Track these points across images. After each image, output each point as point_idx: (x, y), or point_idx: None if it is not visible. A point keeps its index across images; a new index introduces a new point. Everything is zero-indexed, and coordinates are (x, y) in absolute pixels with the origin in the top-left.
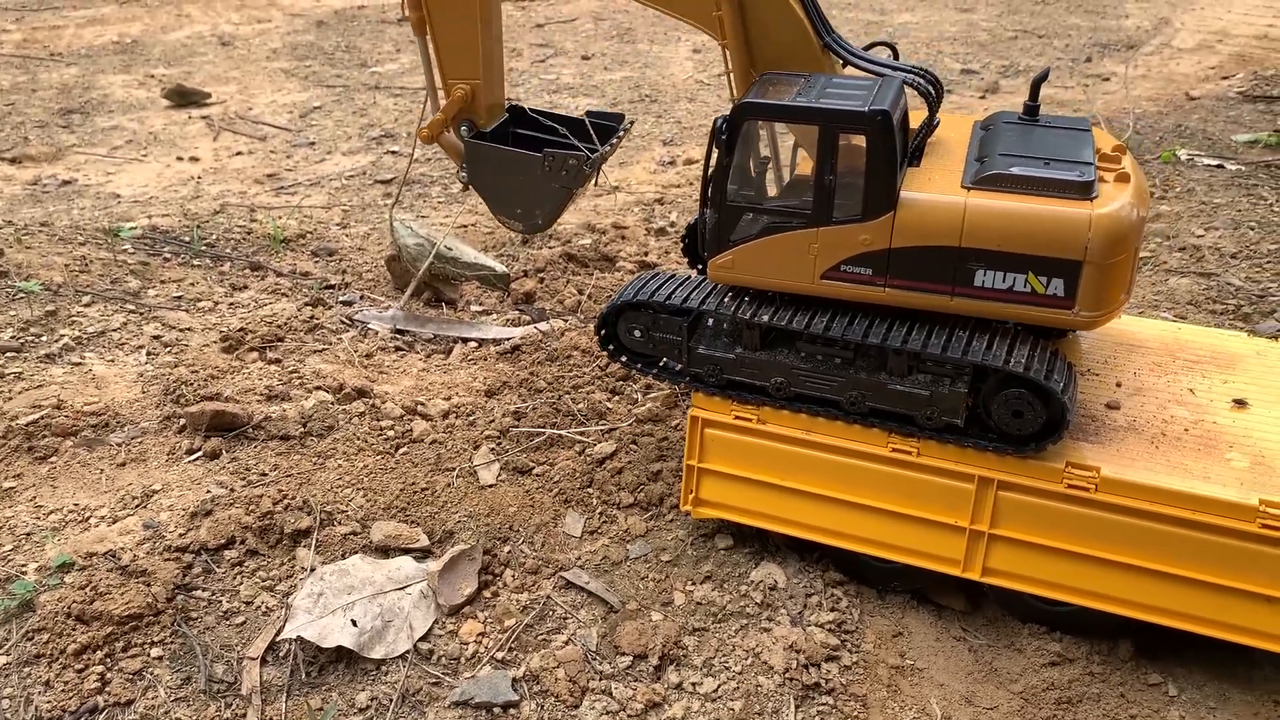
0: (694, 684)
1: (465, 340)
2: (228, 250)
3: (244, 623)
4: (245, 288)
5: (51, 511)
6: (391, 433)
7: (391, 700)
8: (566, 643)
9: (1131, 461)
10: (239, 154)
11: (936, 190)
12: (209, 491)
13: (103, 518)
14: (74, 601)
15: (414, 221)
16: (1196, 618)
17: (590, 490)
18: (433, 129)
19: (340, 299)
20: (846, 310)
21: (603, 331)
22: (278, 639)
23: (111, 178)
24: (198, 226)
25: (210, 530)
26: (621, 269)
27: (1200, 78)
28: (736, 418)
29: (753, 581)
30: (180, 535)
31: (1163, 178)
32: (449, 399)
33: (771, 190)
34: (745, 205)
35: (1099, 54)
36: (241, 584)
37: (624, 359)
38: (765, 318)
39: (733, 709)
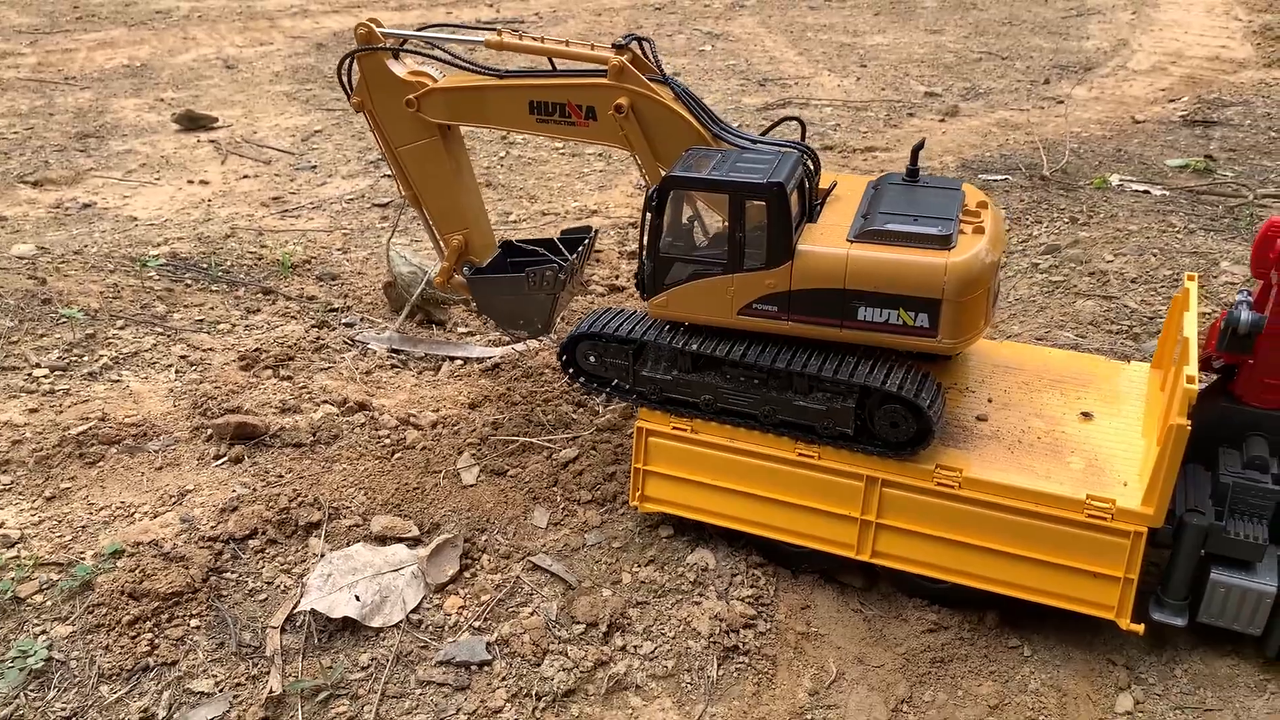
0: (635, 646)
1: (453, 359)
2: (241, 276)
3: (266, 599)
4: (258, 311)
5: (102, 508)
6: (388, 440)
7: (388, 660)
8: (532, 613)
9: (990, 464)
10: (246, 177)
11: (825, 244)
12: (234, 491)
13: (145, 513)
14: (126, 581)
15: (408, 249)
16: (1040, 590)
17: (555, 489)
18: (443, 276)
19: (343, 321)
20: (759, 340)
21: (564, 357)
22: (294, 611)
23: (128, 201)
24: (212, 254)
25: (237, 523)
26: (594, 292)
27: (1149, 100)
28: (674, 428)
29: (688, 564)
30: (212, 527)
31: (1090, 204)
32: (437, 411)
33: (696, 243)
34: (675, 256)
35: (1057, 76)
36: (264, 567)
37: (581, 380)
38: (695, 346)
39: (666, 666)
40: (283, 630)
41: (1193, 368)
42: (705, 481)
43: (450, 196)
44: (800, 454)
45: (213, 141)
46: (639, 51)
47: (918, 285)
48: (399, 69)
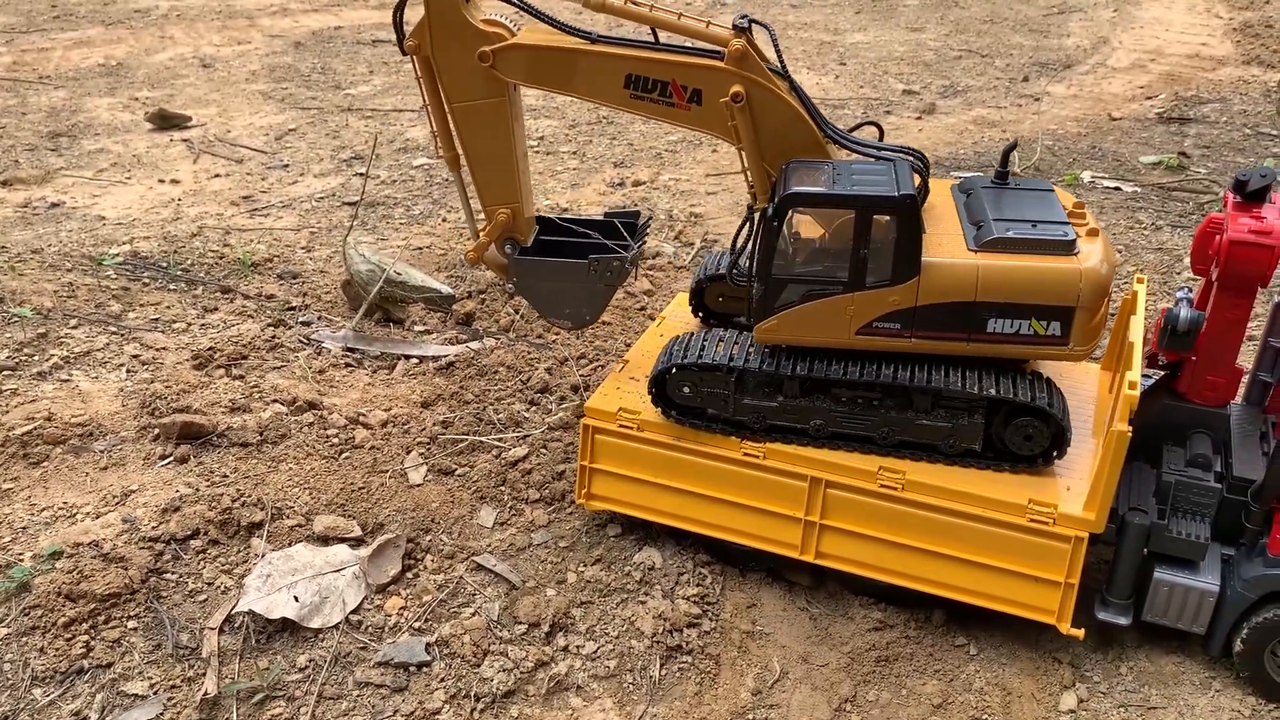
0: (578, 647)
1: (408, 357)
2: (201, 274)
3: (206, 600)
4: (215, 310)
5: (44, 509)
6: (336, 440)
7: (326, 662)
8: (474, 614)
9: (934, 466)
10: (217, 176)
11: (950, 255)
12: (178, 491)
13: (88, 514)
14: (63, 583)
15: (367, 248)
16: (982, 594)
17: (503, 488)
18: (477, 251)
19: (300, 320)
20: (876, 359)
21: (653, 391)
22: (233, 612)
23: (98, 200)
24: (174, 252)
25: (179, 523)
26: None
27: (1127, 98)
28: (620, 425)
29: (635, 563)
30: (153, 528)
31: None
32: (388, 410)
33: (810, 263)
34: (788, 278)
35: (1037, 73)
36: (204, 568)
37: (674, 414)
38: (809, 370)
39: (608, 666)
40: (220, 632)
41: (1135, 373)
42: (652, 480)
43: (504, 166)
44: (745, 453)
45: (185, 141)
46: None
47: (1053, 293)
48: (473, 16)
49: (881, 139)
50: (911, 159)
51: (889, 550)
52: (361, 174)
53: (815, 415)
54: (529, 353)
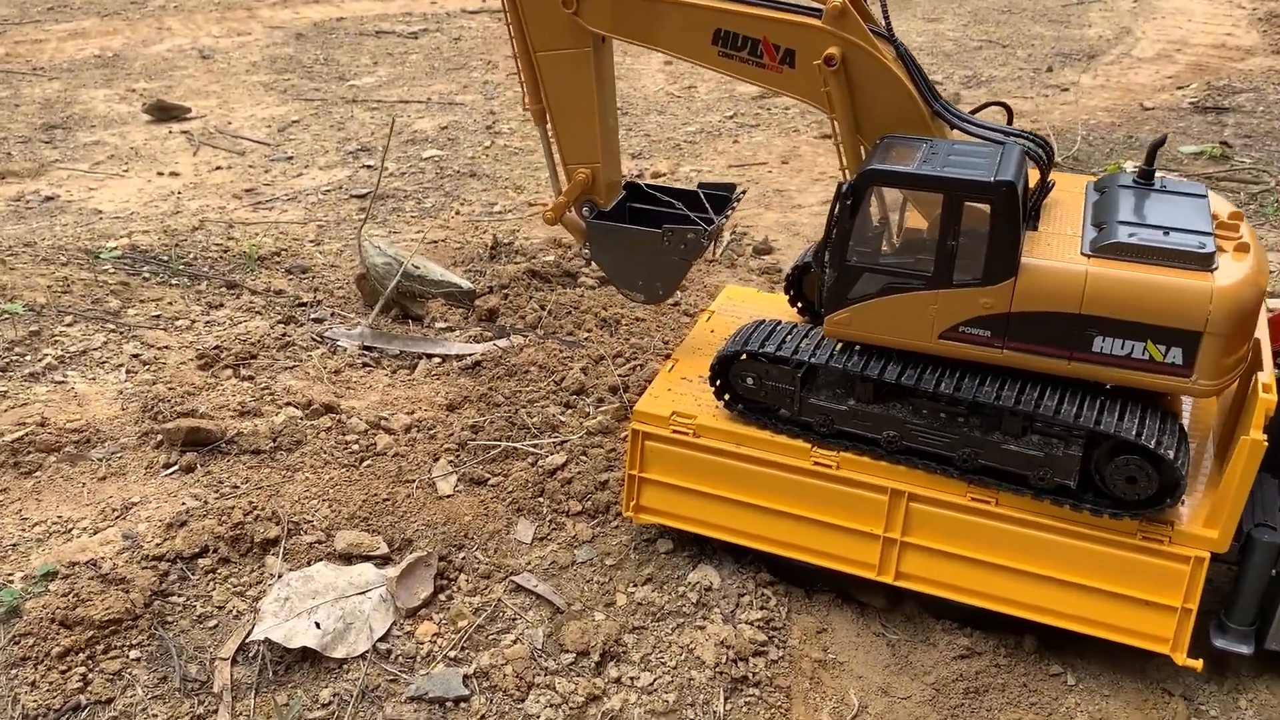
0: (632, 678)
1: (429, 356)
2: (205, 269)
3: (216, 626)
4: (221, 306)
5: (36, 524)
6: (356, 446)
7: (352, 696)
8: (515, 641)
9: None
10: (218, 169)
11: (1057, 257)
12: (184, 504)
13: (84, 529)
14: (57, 607)
15: (383, 240)
16: (1085, 619)
17: (541, 499)
18: (556, 211)
19: (312, 316)
20: (961, 369)
21: (716, 378)
22: (247, 640)
23: (94, 194)
24: (175, 246)
25: (185, 540)
26: (582, 285)
27: (1156, 88)
28: (674, 430)
29: (690, 583)
30: (157, 545)
31: None
32: (412, 413)
33: (892, 251)
34: (865, 266)
35: (1060, 64)
36: (214, 590)
37: (737, 406)
38: (887, 372)
39: (667, 700)
40: (233, 662)
41: (1268, 373)
42: (709, 491)
43: (588, 121)
44: (817, 463)
45: (185, 132)
46: None
47: (1175, 314)
48: None
49: (1010, 123)
50: (1033, 144)
51: (979, 570)
52: (369, 166)
53: (889, 425)
54: (561, 351)
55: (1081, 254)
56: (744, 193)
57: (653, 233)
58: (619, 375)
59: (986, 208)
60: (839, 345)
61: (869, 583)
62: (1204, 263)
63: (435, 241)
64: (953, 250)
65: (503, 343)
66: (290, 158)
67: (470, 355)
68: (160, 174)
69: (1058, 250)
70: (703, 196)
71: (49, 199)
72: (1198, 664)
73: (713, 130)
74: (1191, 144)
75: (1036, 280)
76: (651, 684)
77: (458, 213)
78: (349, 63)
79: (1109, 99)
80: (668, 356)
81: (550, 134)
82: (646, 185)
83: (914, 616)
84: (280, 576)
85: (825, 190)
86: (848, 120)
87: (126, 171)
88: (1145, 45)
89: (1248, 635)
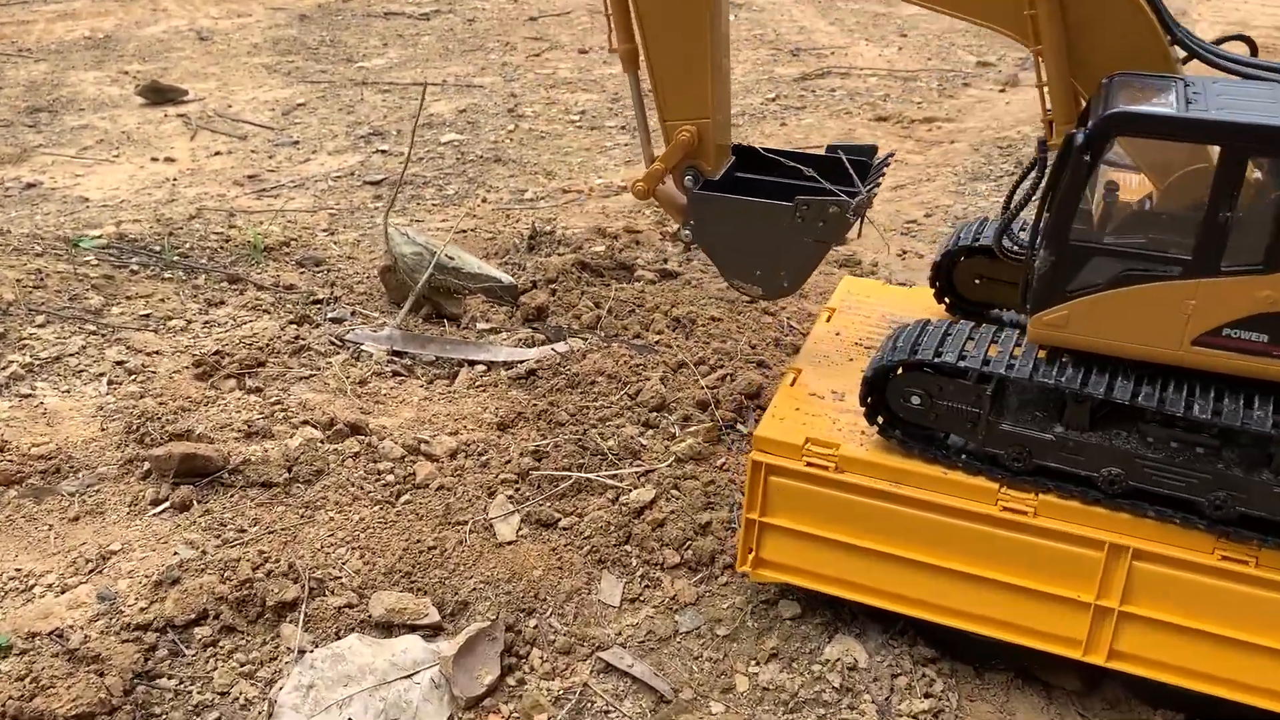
0: None
1: (472, 363)
2: (203, 261)
3: (218, 719)
4: (222, 303)
5: None
6: (391, 477)
7: None
8: None
9: None
10: (218, 154)
11: None
12: (176, 553)
13: (49, 586)
14: (9, 697)
15: (410, 228)
16: None
17: (628, 547)
18: (649, 181)
19: (329, 315)
20: (1218, 385)
21: (869, 397)
22: None
23: (80, 180)
24: (170, 234)
25: (177, 603)
26: (641, 278)
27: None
28: (809, 464)
29: (827, 660)
30: (141, 610)
31: None
32: (456, 434)
33: (1131, 227)
34: (1095, 247)
35: None
36: (215, 670)
37: (895, 432)
38: (1104, 389)
39: None
40: None
41: None
42: (854, 542)
43: (696, 67)
44: (1006, 509)
45: (181, 116)
46: None
47: None
48: None
49: (1254, 56)
50: None
51: (1224, 650)
52: (382, 151)
53: (1110, 459)
54: (631, 357)
55: None
56: (892, 155)
57: (783, 206)
58: (706, 387)
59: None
60: (1044, 353)
61: (1061, 659)
62: None
63: (464, 231)
64: (1225, 225)
65: (560, 347)
66: (296, 142)
67: (522, 362)
68: (154, 159)
69: None
70: (844, 159)
71: (30, 186)
72: None
73: (755, 113)
74: None
75: None
76: None
77: (484, 200)
78: (357, 44)
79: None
80: (761, 364)
81: (644, 82)
82: (765, 149)
83: (1120, 703)
84: (302, 655)
85: (892, 175)
86: (1058, 54)
87: (117, 157)
88: (1204, 27)
89: None
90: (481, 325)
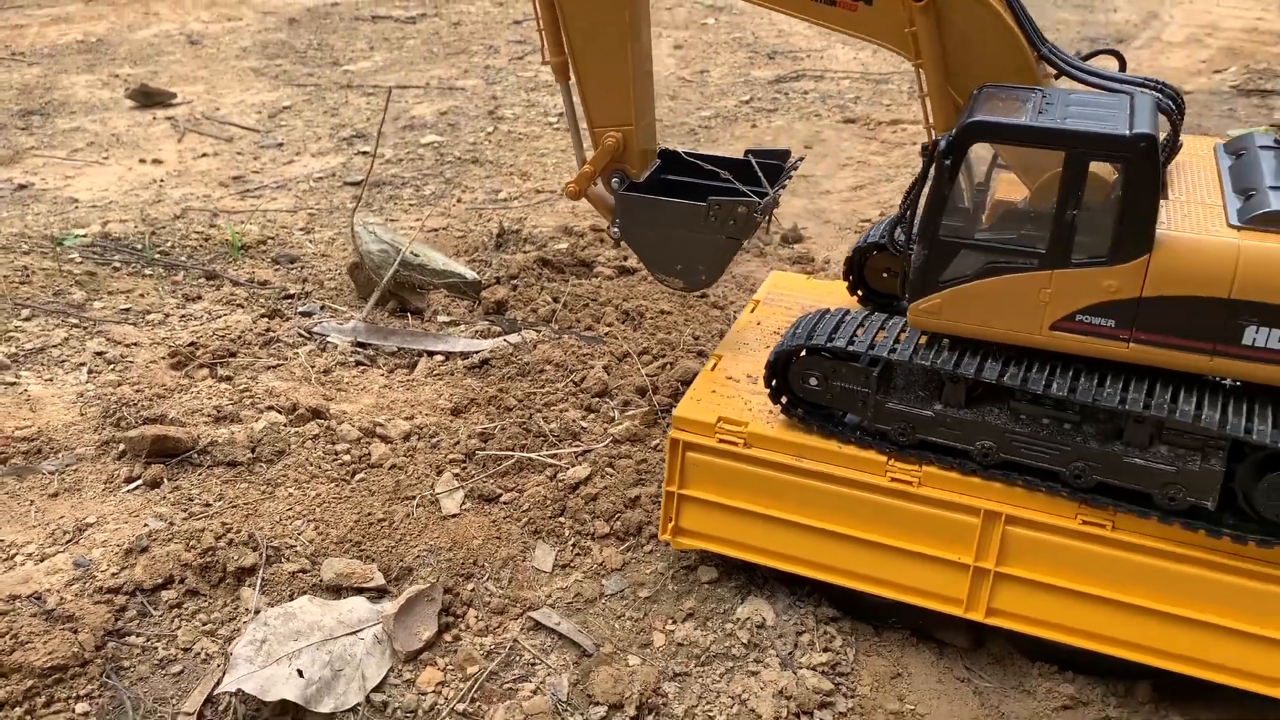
0: None
1: (431, 353)
2: (183, 259)
3: (181, 672)
4: (199, 299)
5: None
6: (348, 457)
7: None
8: (534, 692)
9: None
10: (204, 156)
11: (1198, 230)
12: (146, 525)
13: (29, 555)
14: None
15: (379, 226)
16: (1227, 668)
17: (562, 519)
18: (580, 183)
19: (300, 309)
20: (1075, 365)
21: (773, 378)
22: (216, 692)
23: (70, 181)
24: (152, 233)
25: (146, 568)
26: (599, 274)
27: (1191, 71)
28: (721, 441)
29: (738, 619)
30: (113, 574)
31: None
32: (411, 419)
33: (991, 225)
34: (961, 242)
35: (1088, 47)
36: (179, 628)
37: (797, 411)
38: (975, 370)
39: None
40: (200, 717)
41: None
42: (762, 511)
43: (620, 75)
44: (894, 479)
45: (169, 119)
46: None
47: None
48: None
49: (1122, 70)
50: (1159, 95)
51: (1089, 606)
52: (364, 152)
53: (984, 434)
54: (579, 348)
55: (1229, 225)
56: (801, 159)
57: (696, 206)
58: (646, 375)
59: (1118, 168)
60: (924, 338)
61: (951, 619)
62: None
63: (436, 230)
64: (1073, 221)
65: (513, 338)
66: (281, 144)
67: (477, 352)
68: (142, 161)
69: (1199, 222)
70: (755, 164)
71: (22, 187)
72: None
73: (728, 115)
74: (1239, 127)
75: (1176, 258)
76: None
77: (459, 200)
78: (344, 48)
79: None
80: (701, 353)
81: (574, 92)
82: (686, 153)
83: (1004, 658)
84: (257, 614)
85: (854, 176)
86: (937, 67)
87: (106, 159)
88: (1174, 30)
89: None
90: (443, 318)
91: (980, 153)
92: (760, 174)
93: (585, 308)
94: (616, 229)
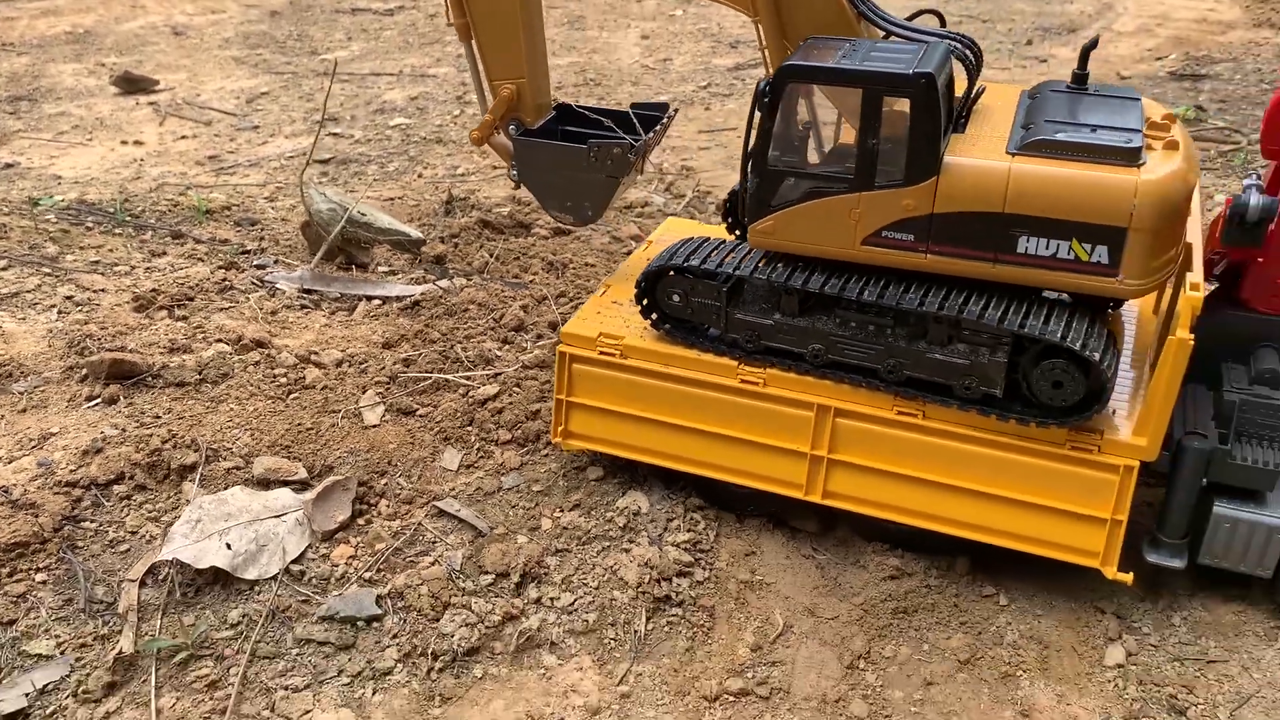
0: (552, 599)
1: (370, 298)
2: (151, 221)
3: (128, 550)
4: (164, 254)
5: None
6: (284, 380)
7: (261, 617)
8: (433, 563)
9: None
10: (183, 138)
11: (980, 155)
12: (102, 432)
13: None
14: None
15: (328, 188)
16: (1016, 535)
17: (470, 429)
18: (482, 130)
19: (255, 264)
20: (887, 278)
21: (643, 298)
22: (156, 563)
23: (55, 161)
24: (125, 200)
25: (100, 466)
26: (535, 235)
27: (1135, 59)
28: (601, 353)
29: (618, 508)
30: (71, 471)
31: None
32: (345, 350)
33: (813, 156)
34: (787, 170)
35: (1040, 37)
36: (128, 515)
37: (665, 325)
38: (807, 283)
39: (587, 620)
40: (142, 584)
41: (1197, 274)
42: (637, 414)
43: (510, 35)
44: (743, 380)
45: (152, 104)
46: None
47: (1099, 210)
48: None
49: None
50: (961, 46)
51: (907, 487)
52: (335, 134)
53: (814, 338)
54: (503, 292)
55: (1006, 153)
56: (675, 112)
57: (577, 149)
58: (560, 314)
59: (906, 103)
60: (764, 259)
61: (802, 507)
62: (1130, 158)
63: (392, 199)
64: (873, 150)
65: (444, 283)
66: (256, 127)
67: (410, 296)
68: (124, 143)
69: (982, 150)
70: (633, 116)
71: (8, 166)
72: (1128, 578)
73: (685, 99)
74: (1165, 107)
75: (959, 179)
76: (572, 604)
77: (420, 175)
78: (323, 38)
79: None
80: None
81: (475, 51)
82: (577, 105)
83: (846, 540)
84: (194, 500)
85: None
86: (772, 22)
87: (90, 140)
88: (1127, 20)
89: (1180, 550)
90: (383, 269)
91: (817, 99)
92: (637, 124)
93: (516, 260)
94: (515, 172)
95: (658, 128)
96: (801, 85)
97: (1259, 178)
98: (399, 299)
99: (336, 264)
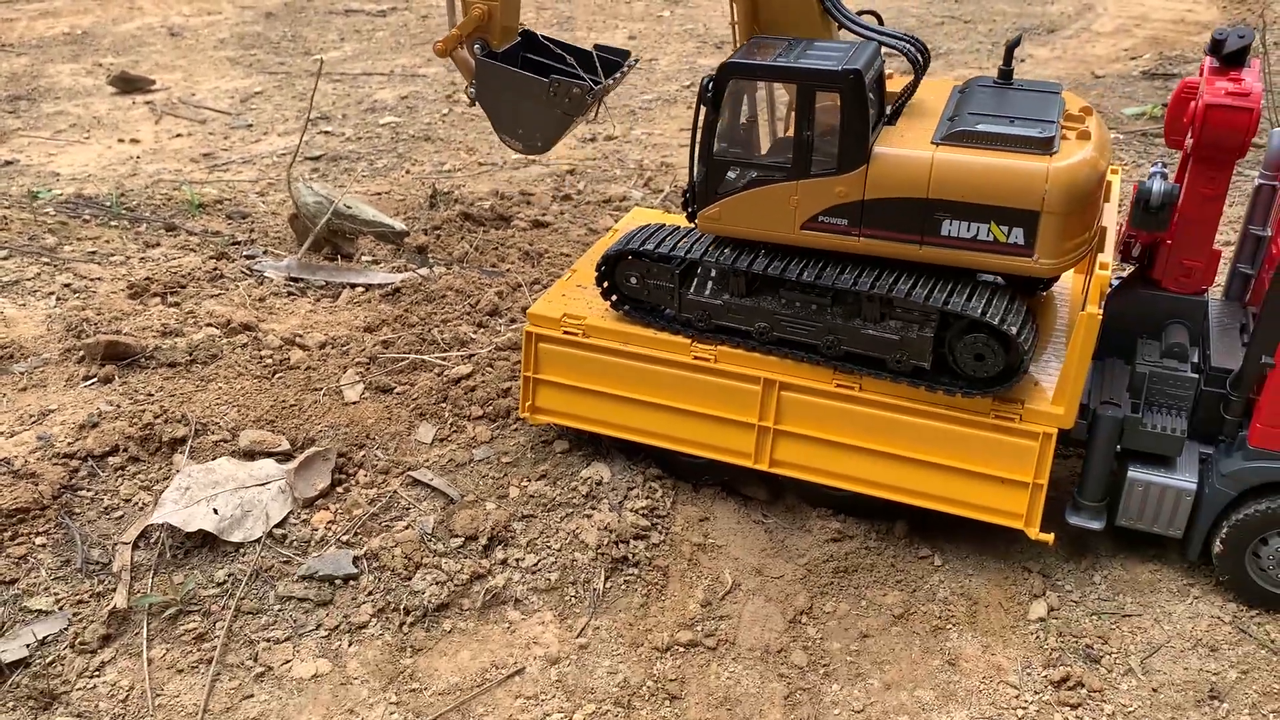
0: (517, 559)
1: (353, 285)
2: (146, 214)
3: (122, 517)
4: (158, 245)
5: None
6: (270, 360)
7: (245, 576)
8: (406, 527)
9: None
10: (179, 136)
11: (906, 145)
12: (98, 409)
13: (1, 433)
14: None
15: (315, 182)
16: (946, 499)
17: (444, 405)
18: (447, 43)
19: (245, 254)
20: (825, 260)
21: (603, 281)
22: (148, 526)
23: (53, 158)
24: (121, 194)
25: (96, 440)
26: (515, 227)
27: (1110, 59)
28: (565, 331)
29: (582, 478)
30: (69, 444)
31: None
32: (328, 333)
33: (756, 147)
34: (731, 160)
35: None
36: (122, 485)
37: (624, 306)
38: (750, 265)
39: (549, 579)
40: (135, 547)
41: (1107, 254)
42: (599, 390)
43: None
44: (696, 357)
45: (148, 103)
46: None
47: (1013, 194)
48: None
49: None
50: (910, 46)
51: (847, 455)
52: (327, 132)
53: (760, 317)
54: (480, 279)
55: (931, 143)
56: (637, 61)
57: (539, 81)
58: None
59: (836, 97)
60: (713, 242)
61: (753, 476)
62: (1043, 147)
63: (379, 194)
64: (809, 140)
65: (423, 271)
66: (250, 125)
67: (391, 283)
68: (121, 141)
69: (909, 140)
70: (596, 58)
71: (8, 164)
72: (1049, 537)
73: (669, 98)
74: (1134, 106)
75: (886, 167)
76: (535, 564)
77: (408, 172)
78: (316, 39)
79: (1062, 69)
80: None
81: None
82: (543, 36)
83: (794, 507)
84: (183, 469)
85: None
86: (748, 17)
87: (87, 139)
88: (1105, 20)
89: (1099, 512)
90: (367, 259)
91: (761, 91)
92: (599, 66)
93: (494, 250)
94: (473, 89)
95: (618, 74)
96: (743, 81)
97: (1164, 166)
98: (381, 286)
99: (323, 254)
